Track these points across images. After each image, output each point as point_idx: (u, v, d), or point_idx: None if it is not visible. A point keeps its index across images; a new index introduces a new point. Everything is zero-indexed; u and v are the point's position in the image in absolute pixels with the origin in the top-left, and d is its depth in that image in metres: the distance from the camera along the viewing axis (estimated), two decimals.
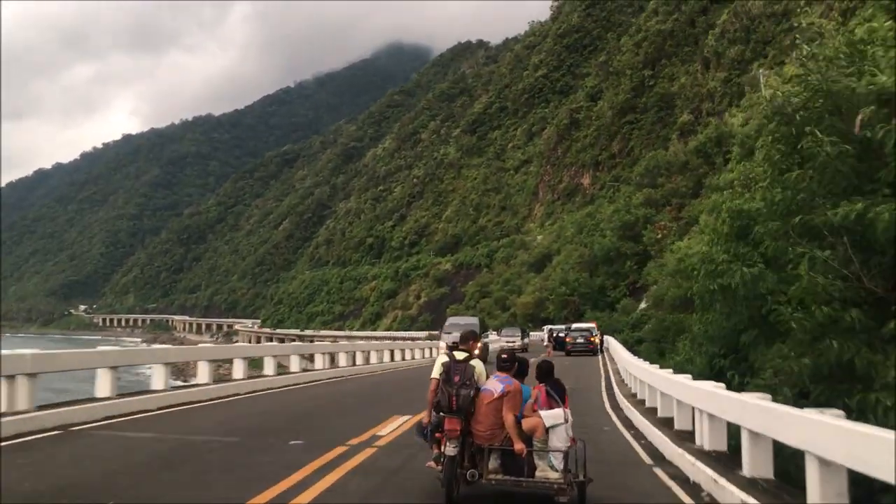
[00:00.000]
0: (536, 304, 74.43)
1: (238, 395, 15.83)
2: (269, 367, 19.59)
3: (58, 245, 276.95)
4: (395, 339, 78.81)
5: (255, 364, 20.53)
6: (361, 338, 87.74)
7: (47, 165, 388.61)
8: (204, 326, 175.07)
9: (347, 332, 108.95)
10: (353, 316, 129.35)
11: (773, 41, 71.78)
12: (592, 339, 41.66)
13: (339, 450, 9.28)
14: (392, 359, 32.54)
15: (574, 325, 45.76)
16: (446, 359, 7.59)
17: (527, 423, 7.22)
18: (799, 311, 9.42)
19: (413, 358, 35.20)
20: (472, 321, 35.60)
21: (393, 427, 11.44)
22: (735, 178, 46.74)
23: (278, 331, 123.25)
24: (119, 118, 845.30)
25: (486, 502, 7.36)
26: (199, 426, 11.68)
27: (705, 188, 49.91)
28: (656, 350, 34.16)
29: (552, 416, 7.30)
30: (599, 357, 38.61)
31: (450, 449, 7.03)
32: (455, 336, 30.52)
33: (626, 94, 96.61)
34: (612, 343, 37.88)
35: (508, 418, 7.06)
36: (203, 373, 15.45)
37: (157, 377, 13.86)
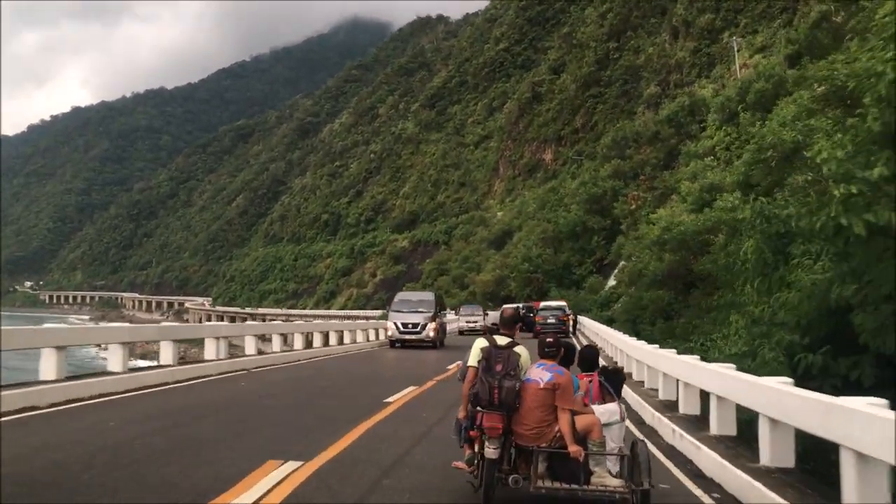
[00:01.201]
0: (497, 282, 70.17)
1: (36, 408, 10.13)
2: (113, 362, 13.12)
3: (3, 220, 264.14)
4: (346, 317, 73.71)
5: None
6: (308, 316, 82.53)
7: None
8: (154, 304, 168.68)
9: (286, 311, 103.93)
10: (307, 294, 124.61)
11: (745, 9, 67.98)
12: (565, 318, 36.97)
13: None
14: (326, 343, 27.30)
15: (543, 304, 40.94)
16: (486, 343, 6.35)
17: (581, 422, 6.14)
18: None
19: (354, 341, 29.83)
20: (427, 297, 30.63)
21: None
22: (715, 145, 42.58)
23: (219, 308, 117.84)
24: (69, 90, 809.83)
25: None
26: None
27: (682, 156, 45.56)
28: (632, 331, 29.81)
29: (606, 412, 6.45)
30: (574, 340, 33.94)
31: (490, 451, 5.98)
32: (406, 315, 24.60)
33: (589, 67, 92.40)
34: (590, 324, 33.10)
35: (564, 416, 6.01)
36: None
37: None
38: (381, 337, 31.69)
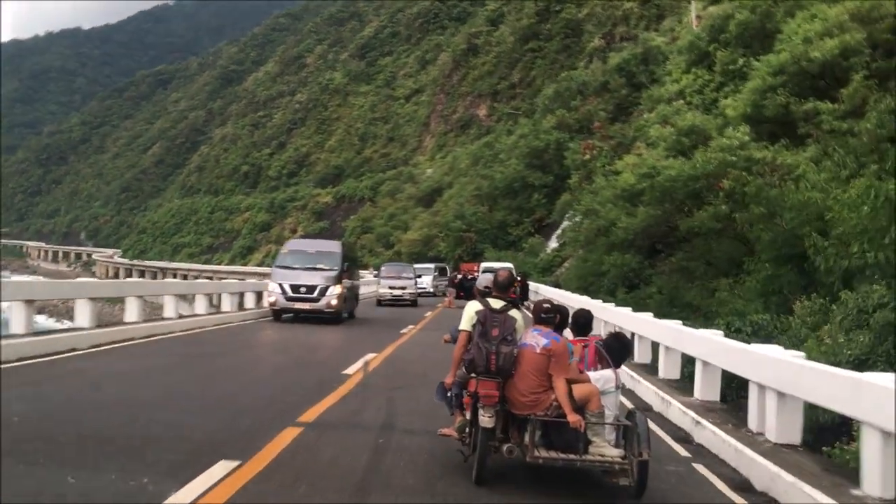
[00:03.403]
0: (424, 242, 63.95)
1: None
2: None
3: None
4: (261, 276, 65.97)
5: None
6: (212, 272, 74.52)
7: None
8: (61, 254, 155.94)
9: (189, 266, 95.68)
10: (222, 249, 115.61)
11: None
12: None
13: None
14: (166, 312, 18.15)
15: (486, 265, 33.92)
16: (479, 307, 5.97)
17: (579, 391, 5.76)
18: None
19: (218, 310, 21.45)
20: (330, 248, 22.17)
21: None
22: (683, 89, 36.75)
23: (119, 259, 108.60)
24: None
25: (517, 478, 5.99)
26: None
27: (643, 101, 39.61)
28: None
29: (602, 378, 6.08)
30: (525, 312, 27.09)
31: (485, 419, 5.66)
32: (297, 274, 16.36)
33: (529, 20, 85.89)
34: (553, 294, 26.51)
35: (559, 384, 5.66)
36: None
37: None
38: (265, 303, 22.02)
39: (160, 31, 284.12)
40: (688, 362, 11.72)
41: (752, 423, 7.84)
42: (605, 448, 5.70)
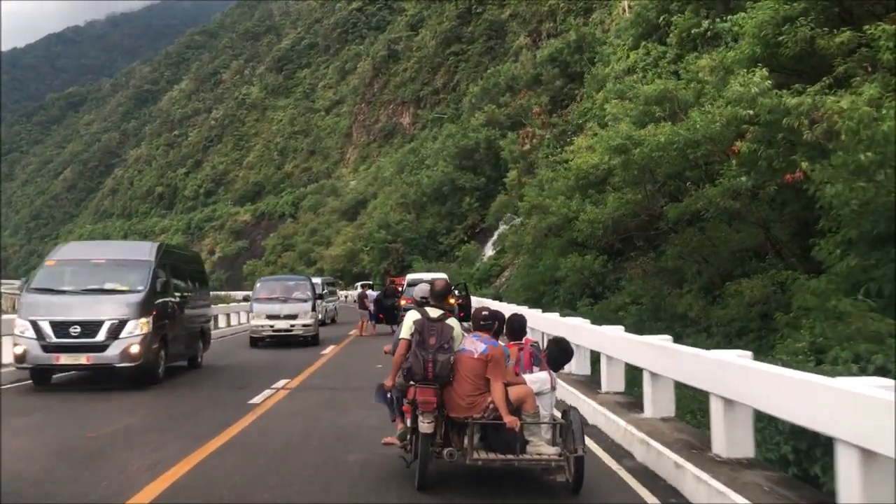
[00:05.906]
0: (348, 257, 57.63)
1: None
2: None
3: None
4: None
5: None
6: None
7: None
8: None
9: None
10: None
11: None
12: (449, 301, 21.88)
13: None
14: None
15: (412, 276, 26.42)
16: (418, 316, 5.77)
17: (514, 393, 5.68)
18: None
19: None
20: (130, 253, 12.31)
21: None
22: (633, 65, 31.48)
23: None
24: None
25: (460, 482, 5.85)
26: None
27: (587, 82, 34.24)
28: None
29: (538, 380, 5.93)
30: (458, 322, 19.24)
31: (424, 425, 5.54)
32: (68, 303, 11.63)
33: (450, 22, 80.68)
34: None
35: (497, 388, 5.56)
36: None
37: None
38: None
39: (72, 54, 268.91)
40: None
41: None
42: (541, 447, 5.67)
